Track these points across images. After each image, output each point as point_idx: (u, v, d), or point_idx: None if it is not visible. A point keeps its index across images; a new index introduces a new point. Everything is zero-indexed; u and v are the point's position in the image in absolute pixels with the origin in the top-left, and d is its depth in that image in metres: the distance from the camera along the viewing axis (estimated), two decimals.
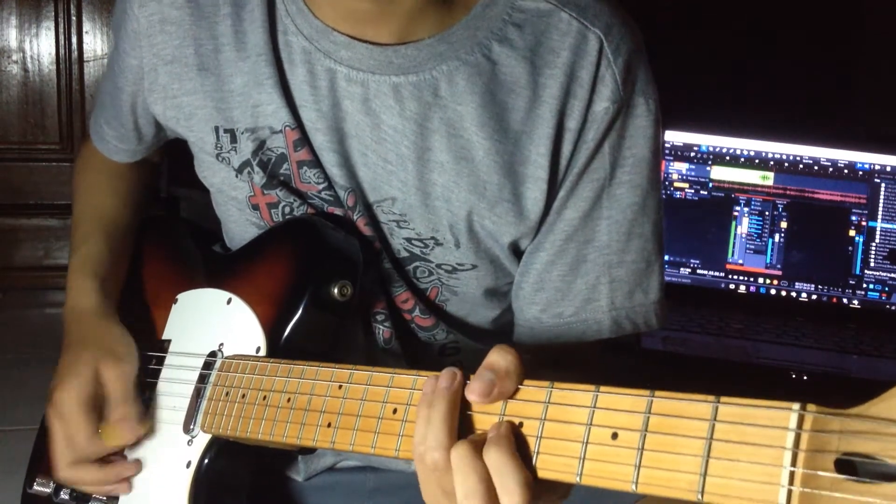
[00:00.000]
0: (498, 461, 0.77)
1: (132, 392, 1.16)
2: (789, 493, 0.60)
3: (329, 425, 0.93)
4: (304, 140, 1.14)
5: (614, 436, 0.71)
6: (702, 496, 0.65)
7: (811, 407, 0.61)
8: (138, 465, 1.17)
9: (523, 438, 0.78)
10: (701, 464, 0.65)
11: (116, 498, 1.17)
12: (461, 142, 1.11)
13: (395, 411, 0.88)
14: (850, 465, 0.59)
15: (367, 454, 0.90)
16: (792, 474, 0.60)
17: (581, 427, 0.74)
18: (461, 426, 0.82)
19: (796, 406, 0.62)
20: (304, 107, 1.13)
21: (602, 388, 0.73)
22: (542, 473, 0.76)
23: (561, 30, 1.10)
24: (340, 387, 0.93)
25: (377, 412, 0.89)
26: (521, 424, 0.78)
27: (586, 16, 1.11)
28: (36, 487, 1.20)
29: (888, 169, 2.32)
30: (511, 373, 0.80)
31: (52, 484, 1.19)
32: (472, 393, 0.80)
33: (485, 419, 0.81)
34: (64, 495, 1.18)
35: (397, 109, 1.11)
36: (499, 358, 0.80)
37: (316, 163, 1.14)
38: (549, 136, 1.10)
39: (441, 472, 0.81)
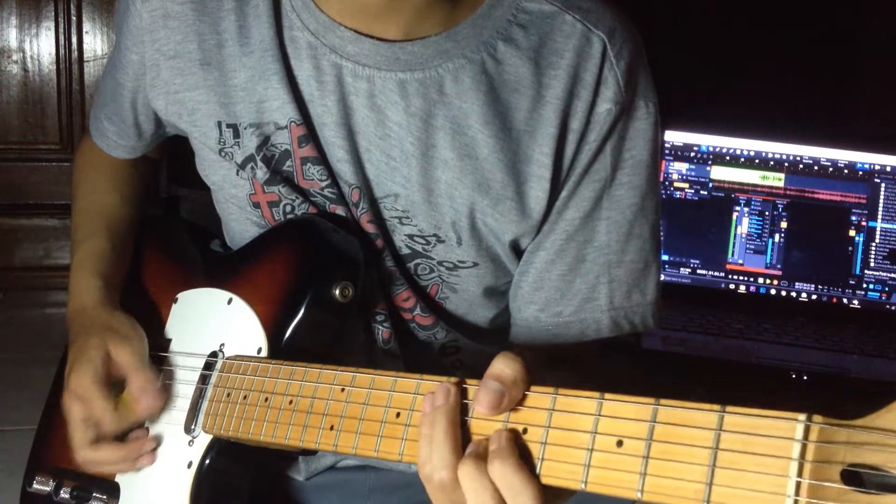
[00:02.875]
0: (504, 475, 0.77)
1: (147, 363, 1.16)
2: (796, 503, 0.61)
3: (332, 428, 0.93)
4: (310, 136, 1.14)
5: (619, 443, 0.71)
6: None
7: (818, 418, 0.61)
8: (156, 440, 1.16)
9: (527, 446, 0.78)
10: (707, 473, 0.65)
11: (117, 497, 1.17)
12: (465, 139, 1.11)
13: (398, 415, 0.88)
14: (856, 477, 0.59)
15: (370, 458, 0.90)
16: (798, 485, 0.61)
17: (586, 434, 0.74)
18: (465, 434, 0.82)
19: (802, 417, 0.62)
20: (311, 102, 1.14)
21: (607, 396, 0.73)
22: (546, 480, 0.76)
23: (565, 32, 1.11)
24: (343, 390, 0.93)
25: (380, 416, 0.89)
26: (525, 431, 0.78)
27: (590, 18, 1.12)
28: (35, 486, 1.20)
29: (888, 169, 2.32)
30: (518, 381, 0.80)
31: (51, 482, 1.19)
32: (481, 406, 0.79)
33: (488, 425, 0.81)
34: (64, 494, 1.18)
35: (402, 106, 1.11)
36: (504, 367, 0.80)
37: (320, 159, 1.14)
38: (553, 135, 1.11)
39: (449, 490, 0.81)
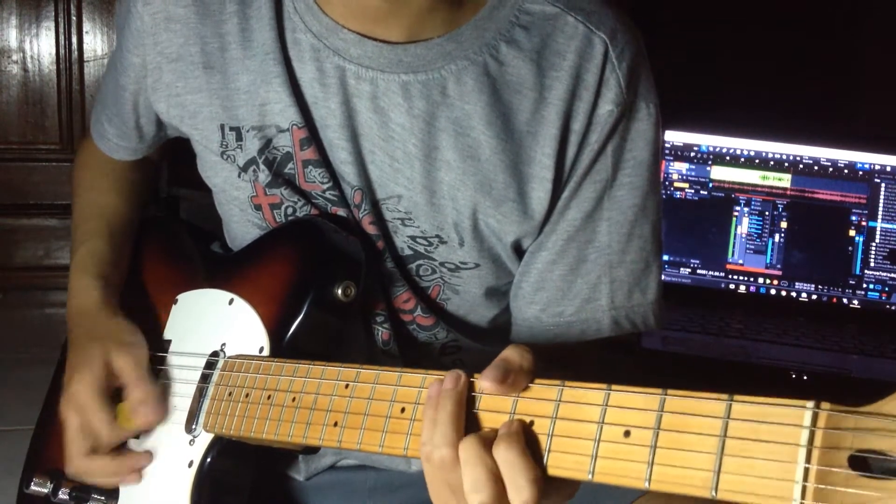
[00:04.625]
0: (508, 456, 0.77)
1: (147, 374, 1.16)
2: (804, 488, 0.61)
3: (336, 424, 0.93)
4: (311, 139, 1.14)
5: (627, 434, 0.71)
6: (716, 493, 0.65)
7: (825, 405, 0.62)
8: (150, 455, 1.16)
9: (534, 436, 0.78)
10: (715, 461, 0.65)
11: (116, 498, 1.17)
12: (468, 141, 1.11)
13: (403, 410, 0.88)
14: (863, 462, 0.59)
15: (374, 453, 0.90)
16: (806, 471, 0.61)
17: (593, 425, 0.74)
18: (470, 426, 0.82)
19: (811, 404, 0.62)
20: (314, 104, 1.14)
21: (614, 387, 0.74)
22: (554, 471, 0.76)
23: (567, 33, 1.12)
24: (347, 386, 0.93)
25: (385, 411, 0.89)
26: (532, 423, 0.78)
27: (592, 20, 1.12)
28: (33, 487, 1.19)
29: (888, 169, 2.32)
30: (525, 369, 0.80)
31: (49, 484, 1.18)
32: (486, 379, 0.80)
33: (495, 418, 0.81)
34: (63, 495, 1.17)
35: (405, 107, 1.11)
36: (515, 354, 0.81)
37: (321, 162, 1.14)
38: (555, 137, 1.11)
39: (449, 469, 0.81)
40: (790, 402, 0.63)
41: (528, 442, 0.78)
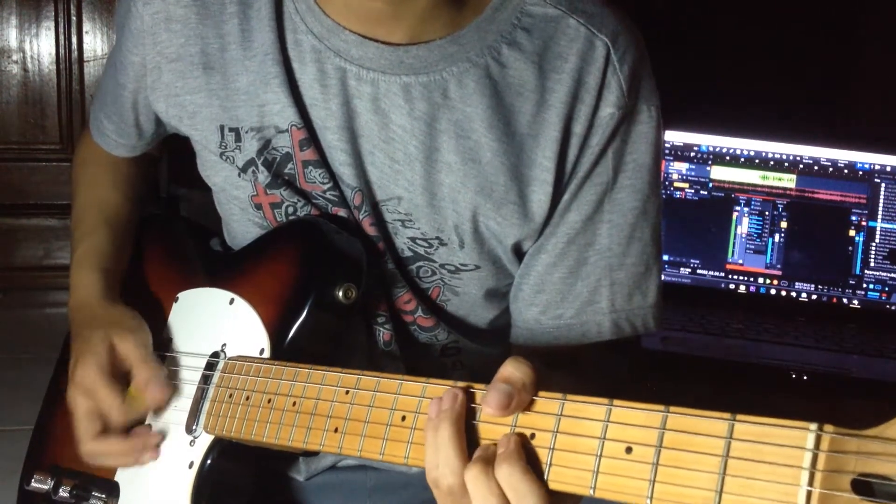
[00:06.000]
0: (510, 478, 0.77)
1: (152, 355, 1.16)
2: None
3: (336, 430, 0.93)
4: (311, 140, 1.14)
5: (628, 450, 0.71)
6: None
7: (828, 427, 0.62)
8: (160, 435, 1.16)
9: (534, 451, 0.78)
10: (717, 481, 0.65)
11: (117, 497, 1.17)
12: (469, 143, 1.11)
13: (403, 419, 0.88)
14: (866, 486, 0.59)
15: (375, 460, 0.90)
16: (809, 494, 0.61)
17: (594, 440, 0.74)
18: (472, 439, 0.82)
19: (814, 426, 0.62)
20: (314, 105, 1.13)
21: (616, 402, 0.74)
22: (554, 486, 0.76)
23: (569, 35, 1.11)
24: (347, 392, 0.94)
25: (386, 419, 0.89)
26: (532, 436, 0.78)
27: (594, 22, 1.12)
28: (34, 484, 1.19)
29: (888, 169, 2.32)
30: (527, 385, 0.80)
31: (50, 481, 1.18)
32: (489, 406, 0.80)
33: (496, 429, 0.81)
34: (63, 493, 1.17)
35: (406, 109, 1.11)
36: (514, 370, 0.80)
37: (321, 162, 1.14)
38: (556, 139, 1.11)
39: (458, 496, 0.81)
40: (793, 423, 0.63)
41: (529, 456, 0.78)
